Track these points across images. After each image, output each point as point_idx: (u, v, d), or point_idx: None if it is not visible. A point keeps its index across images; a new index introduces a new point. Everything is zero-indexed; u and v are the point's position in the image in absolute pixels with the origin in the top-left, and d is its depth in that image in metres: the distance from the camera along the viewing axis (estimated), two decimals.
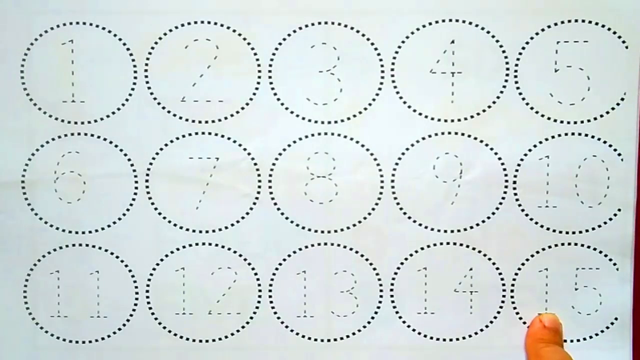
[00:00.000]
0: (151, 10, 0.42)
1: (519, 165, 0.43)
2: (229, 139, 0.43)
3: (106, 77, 0.43)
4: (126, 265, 0.44)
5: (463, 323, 0.44)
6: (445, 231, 0.43)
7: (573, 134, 0.43)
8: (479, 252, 0.44)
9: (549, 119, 0.43)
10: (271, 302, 0.44)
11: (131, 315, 0.44)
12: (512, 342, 0.44)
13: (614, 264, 0.43)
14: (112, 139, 0.43)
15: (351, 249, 0.44)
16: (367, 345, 0.44)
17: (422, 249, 0.44)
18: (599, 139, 0.43)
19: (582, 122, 0.43)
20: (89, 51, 0.42)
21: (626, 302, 0.44)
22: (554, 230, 0.43)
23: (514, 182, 0.43)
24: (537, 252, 0.44)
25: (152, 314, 0.44)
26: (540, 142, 0.43)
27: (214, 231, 0.44)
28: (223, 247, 0.44)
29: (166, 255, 0.44)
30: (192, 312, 0.44)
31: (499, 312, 0.44)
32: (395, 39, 0.42)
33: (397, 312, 0.44)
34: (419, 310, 0.44)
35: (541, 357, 0.42)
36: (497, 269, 0.44)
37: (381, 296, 0.44)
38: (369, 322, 0.44)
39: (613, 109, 0.43)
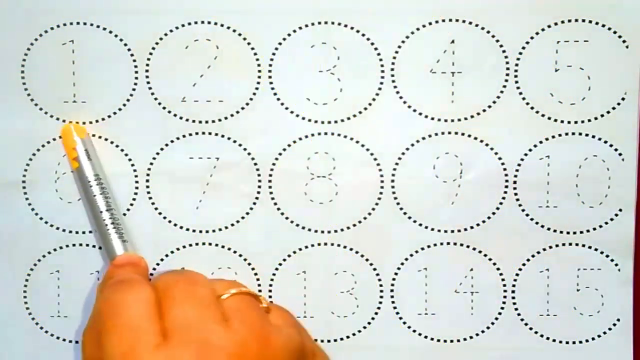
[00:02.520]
0: (152, 10, 0.42)
1: (519, 165, 0.43)
2: (229, 139, 0.43)
3: (107, 77, 0.43)
4: None
5: (464, 324, 0.44)
6: (446, 231, 0.43)
7: (573, 133, 0.43)
8: (480, 252, 0.43)
9: (549, 118, 0.43)
10: (271, 302, 0.44)
11: None
12: (513, 343, 0.44)
13: (616, 265, 0.43)
14: (113, 139, 0.43)
15: (351, 249, 0.44)
16: (367, 345, 0.44)
17: (422, 249, 0.43)
18: (599, 139, 0.43)
19: (582, 122, 0.43)
20: (90, 51, 0.42)
21: (628, 303, 0.43)
22: (555, 231, 0.43)
23: (514, 182, 0.43)
24: (538, 253, 0.43)
25: None
26: (541, 142, 0.43)
27: (214, 231, 0.44)
28: (223, 247, 0.44)
29: (166, 255, 0.44)
30: None
31: (500, 314, 0.44)
32: (395, 39, 0.42)
33: (397, 313, 0.44)
34: (419, 311, 0.44)
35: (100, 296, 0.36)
36: (498, 269, 0.44)
37: (381, 296, 0.44)
38: (369, 323, 0.44)
39: (614, 108, 0.42)
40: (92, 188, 0.42)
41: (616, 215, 0.43)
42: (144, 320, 0.32)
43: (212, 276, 0.44)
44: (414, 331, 0.44)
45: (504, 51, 0.42)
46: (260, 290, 0.44)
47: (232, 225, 0.44)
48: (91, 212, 0.42)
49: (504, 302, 0.44)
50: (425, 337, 0.44)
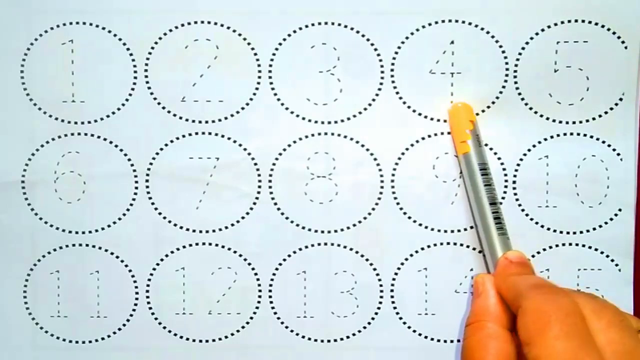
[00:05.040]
0: (151, 10, 0.42)
1: (518, 165, 0.43)
2: (229, 139, 0.43)
3: (106, 77, 0.43)
4: (126, 265, 0.44)
5: (464, 324, 0.44)
6: (446, 231, 0.43)
7: (572, 134, 0.43)
8: (480, 252, 0.44)
9: (548, 119, 0.43)
10: (271, 302, 0.44)
11: (131, 315, 0.44)
12: None
13: (616, 265, 0.43)
14: (112, 139, 0.43)
15: (351, 249, 0.44)
16: (367, 346, 0.44)
17: (422, 249, 0.43)
18: (598, 139, 0.43)
19: (581, 122, 0.43)
20: (89, 51, 0.42)
21: (628, 303, 0.43)
22: (555, 231, 0.43)
23: (514, 182, 0.43)
24: (538, 253, 0.43)
25: (152, 314, 0.44)
26: (540, 142, 0.43)
27: (214, 231, 0.44)
28: (223, 247, 0.44)
29: (166, 255, 0.44)
30: (192, 312, 0.44)
31: None
32: (395, 39, 0.42)
33: (397, 313, 0.44)
34: (419, 311, 0.44)
35: (515, 285, 0.37)
36: None
37: (381, 297, 0.44)
38: (369, 323, 0.44)
39: (612, 108, 0.43)
40: (478, 178, 0.41)
41: (616, 215, 0.43)
42: (585, 332, 0.32)
43: (211, 276, 0.44)
44: (414, 331, 0.44)
45: (503, 51, 0.42)
46: (260, 291, 0.44)
47: (232, 225, 0.44)
48: (475, 202, 0.41)
49: None
50: (425, 337, 0.44)
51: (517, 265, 0.40)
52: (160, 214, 0.43)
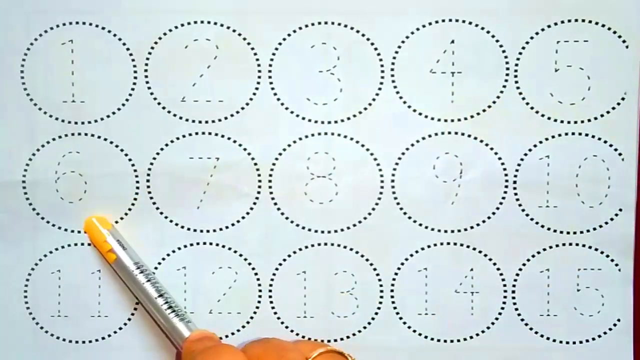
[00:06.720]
0: (151, 10, 0.42)
1: (519, 165, 0.43)
2: (229, 139, 0.43)
3: (106, 77, 0.43)
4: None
5: (464, 324, 0.44)
6: (446, 231, 0.43)
7: (573, 133, 0.43)
8: (480, 252, 0.44)
9: (549, 118, 0.43)
10: (271, 302, 0.44)
11: (131, 315, 0.44)
12: (513, 343, 0.44)
13: (616, 265, 0.43)
14: (113, 139, 0.43)
15: (351, 249, 0.44)
16: (367, 346, 0.44)
17: (422, 249, 0.43)
18: (599, 139, 0.43)
19: (582, 121, 0.43)
20: (89, 51, 0.42)
21: (628, 303, 0.43)
22: (555, 231, 0.43)
23: (514, 182, 0.43)
24: (538, 253, 0.43)
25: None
26: (541, 142, 0.43)
27: (214, 231, 0.44)
28: (223, 247, 0.44)
29: (167, 255, 0.44)
30: (193, 312, 0.44)
31: (500, 314, 0.44)
32: (395, 39, 0.42)
33: (397, 313, 0.44)
34: (419, 311, 0.44)
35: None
36: (498, 269, 0.44)
37: (381, 297, 0.44)
38: (369, 323, 0.44)
39: (613, 108, 0.43)
40: (138, 277, 0.42)
41: (616, 215, 0.43)
42: None
43: (212, 276, 0.44)
44: (414, 331, 0.44)
45: (504, 51, 0.42)
46: (260, 291, 0.44)
47: (232, 225, 0.44)
48: (146, 300, 0.42)
49: (504, 302, 0.44)
50: (425, 337, 0.44)
51: (201, 341, 0.40)
52: (161, 213, 0.43)
